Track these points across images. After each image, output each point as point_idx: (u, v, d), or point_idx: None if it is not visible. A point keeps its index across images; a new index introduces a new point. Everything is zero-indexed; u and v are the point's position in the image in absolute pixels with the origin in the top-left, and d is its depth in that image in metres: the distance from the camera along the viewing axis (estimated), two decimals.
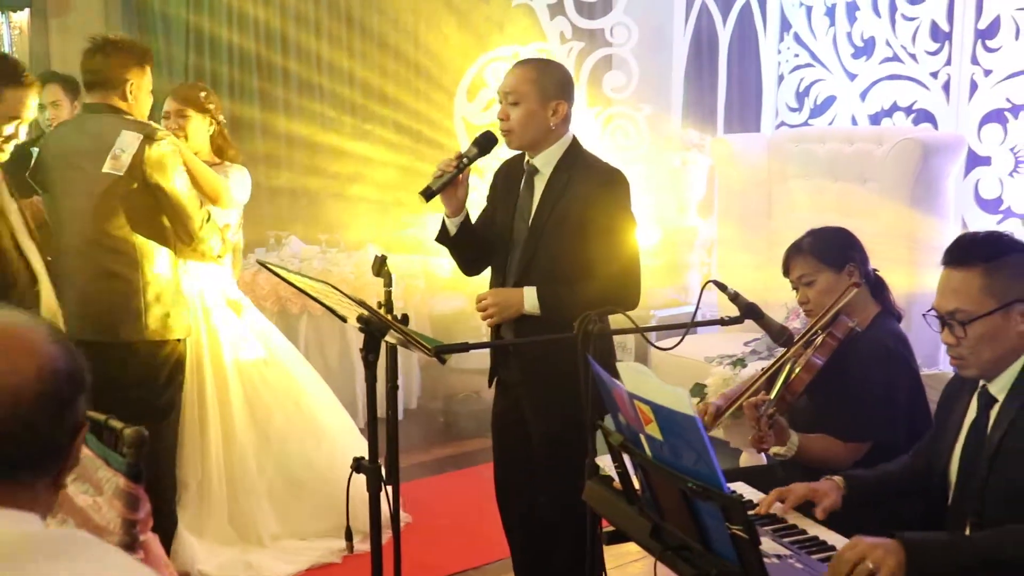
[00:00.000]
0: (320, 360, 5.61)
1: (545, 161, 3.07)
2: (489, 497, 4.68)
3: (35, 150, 3.87)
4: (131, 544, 1.73)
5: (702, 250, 6.34)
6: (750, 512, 2.40)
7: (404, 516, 4.39)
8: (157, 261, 3.59)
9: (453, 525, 4.39)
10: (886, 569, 1.99)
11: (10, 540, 1.23)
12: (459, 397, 5.87)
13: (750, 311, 2.72)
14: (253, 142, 6.71)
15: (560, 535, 3.14)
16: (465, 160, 3.02)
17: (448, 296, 6.28)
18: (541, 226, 3.05)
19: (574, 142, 3.12)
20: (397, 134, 7.12)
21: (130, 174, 3.46)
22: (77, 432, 1.29)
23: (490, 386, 3.40)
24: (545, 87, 3.01)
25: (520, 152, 3.18)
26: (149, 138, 3.49)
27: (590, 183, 3.02)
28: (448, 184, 3.01)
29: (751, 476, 2.84)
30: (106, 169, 3.45)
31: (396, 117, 7.14)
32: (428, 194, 3.01)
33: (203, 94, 4.07)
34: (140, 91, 3.64)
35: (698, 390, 3.88)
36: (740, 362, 4.29)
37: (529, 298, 3.02)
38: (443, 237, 3.24)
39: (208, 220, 3.64)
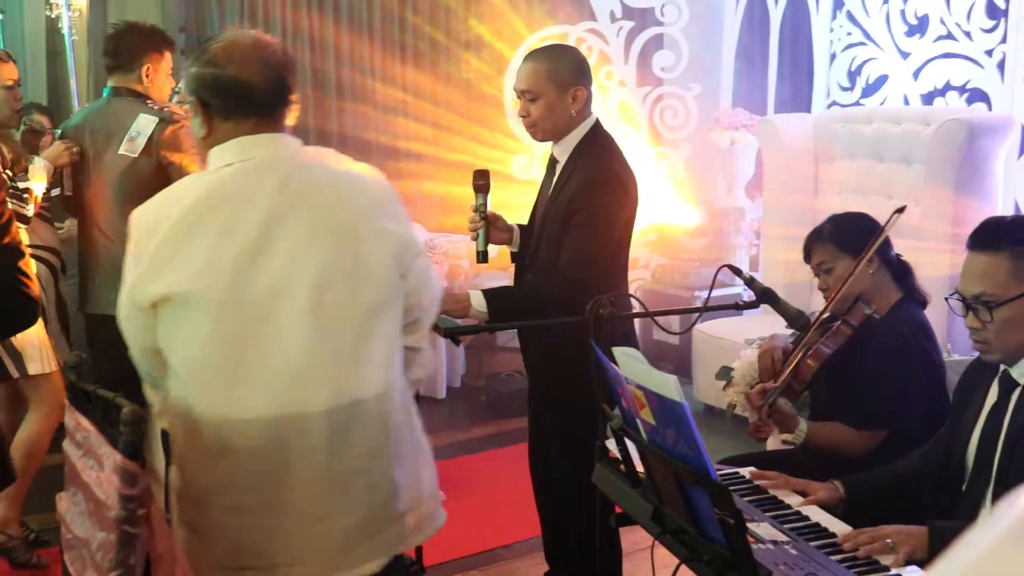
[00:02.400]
0: None
1: (562, 150, 3.08)
2: (524, 476, 4.73)
3: (58, 131, 4.01)
4: (128, 518, 1.80)
5: (750, 231, 6.28)
6: (750, 499, 2.41)
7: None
8: None
9: (486, 503, 4.43)
10: (907, 547, 2.03)
11: (297, 151, 2.10)
12: (502, 376, 5.91)
13: (765, 295, 2.70)
14: (304, 118, 6.78)
15: (574, 513, 3.20)
16: (481, 208, 3.11)
17: (492, 277, 6.30)
18: (546, 215, 3.08)
19: (593, 128, 3.07)
20: (447, 114, 7.15)
21: (146, 156, 3.59)
22: (293, 91, 2.10)
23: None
24: (561, 77, 2.99)
25: None
26: (164, 121, 3.61)
27: (583, 177, 2.99)
28: (488, 234, 3.12)
29: (772, 461, 2.84)
30: (122, 151, 3.60)
31: (446, 98, 7.16)
32: (483, 256, 3.14)
33: None
34: (157, 75, 3.76)
35: (724, 373, 3.84)
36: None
37: (476, 302, 2.97)
38: (514, 258, 3.33)
39: None
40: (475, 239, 3.12)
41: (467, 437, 5.37)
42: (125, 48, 3.69)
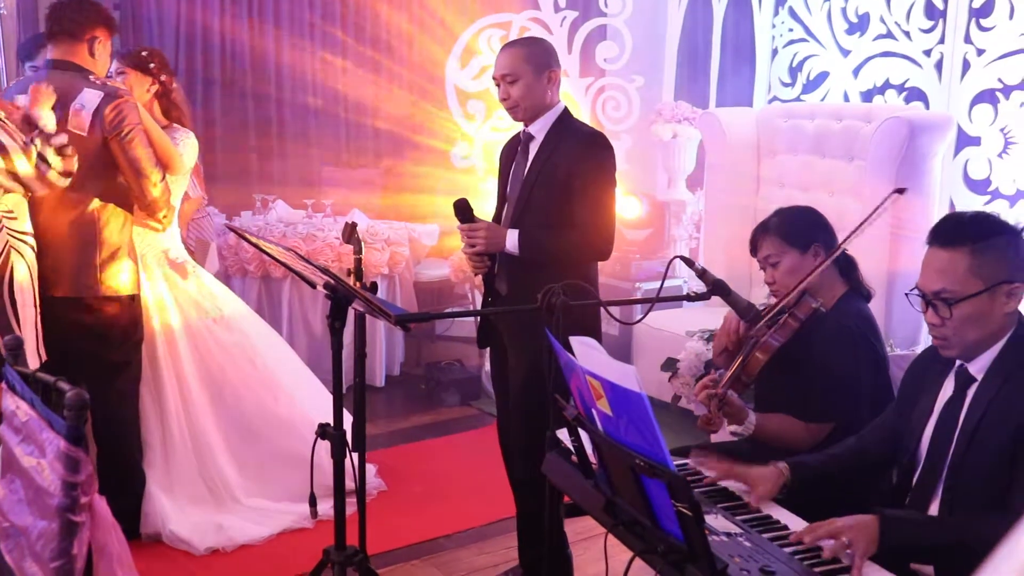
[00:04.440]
0: (303, 325, 5.61)
1: (539, 128, 3.29)
2: (464, 465, 4.72)
3: None
4: (71, 506, 1.73)
5: (691, 224, 6.30)
6: (702, 490, 2.41)
7: (378, 483, 4.40)
8: (113, 221, 3.64)
9: (427, 493, 4.40)
10: (861, 546, 2.03)
11: None
12: (441, 365, 5.87)
13: (717, 287, 2.70)
14: (243, 104, 6.68)
15: (529, 496, 3.22)
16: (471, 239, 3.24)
17: (433, 264, 6.27)
18: (531, 183, 3.25)
19: (565, 110, 3.32)
20: (387, 101, 7.08)
21: (90, 132, 3.48)
22: None
23: (480, 348, 3.56)
24: (537, 60, 3.25)
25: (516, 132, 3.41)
26: (110, 96, 3.52)
27: (576, 145, 3.21)
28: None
29: (718, 452, 2.84)
30: (69, 127, 3.48)
31: (387, 84, 7.09)
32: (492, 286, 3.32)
33: (145, 54, 4.07)
34: (104, 53, 3.67)
35: (670, 364, 3.85)
36: (713, 337, 4.26)
37: (511, 239, 3.21)
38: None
39: (163, 180, 3.68)
40: (477, 266, 3.28)
41: (406, 425, 5.33)
42: (74, 14, 3.57)
